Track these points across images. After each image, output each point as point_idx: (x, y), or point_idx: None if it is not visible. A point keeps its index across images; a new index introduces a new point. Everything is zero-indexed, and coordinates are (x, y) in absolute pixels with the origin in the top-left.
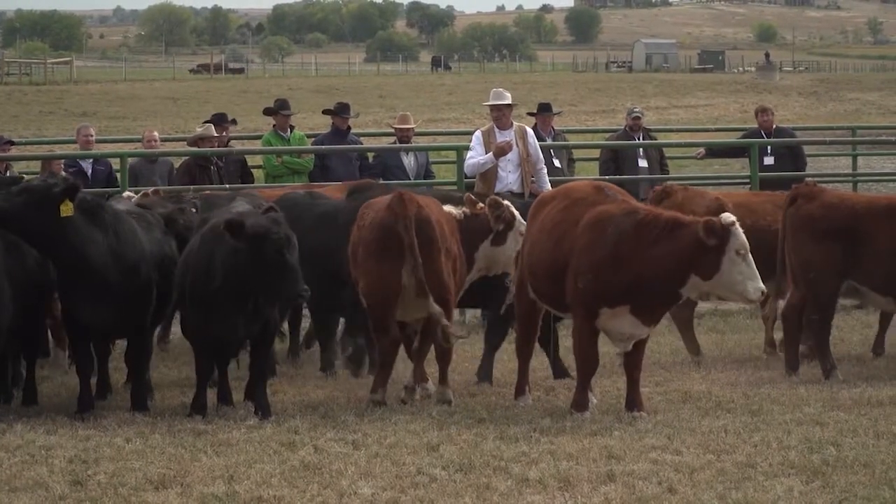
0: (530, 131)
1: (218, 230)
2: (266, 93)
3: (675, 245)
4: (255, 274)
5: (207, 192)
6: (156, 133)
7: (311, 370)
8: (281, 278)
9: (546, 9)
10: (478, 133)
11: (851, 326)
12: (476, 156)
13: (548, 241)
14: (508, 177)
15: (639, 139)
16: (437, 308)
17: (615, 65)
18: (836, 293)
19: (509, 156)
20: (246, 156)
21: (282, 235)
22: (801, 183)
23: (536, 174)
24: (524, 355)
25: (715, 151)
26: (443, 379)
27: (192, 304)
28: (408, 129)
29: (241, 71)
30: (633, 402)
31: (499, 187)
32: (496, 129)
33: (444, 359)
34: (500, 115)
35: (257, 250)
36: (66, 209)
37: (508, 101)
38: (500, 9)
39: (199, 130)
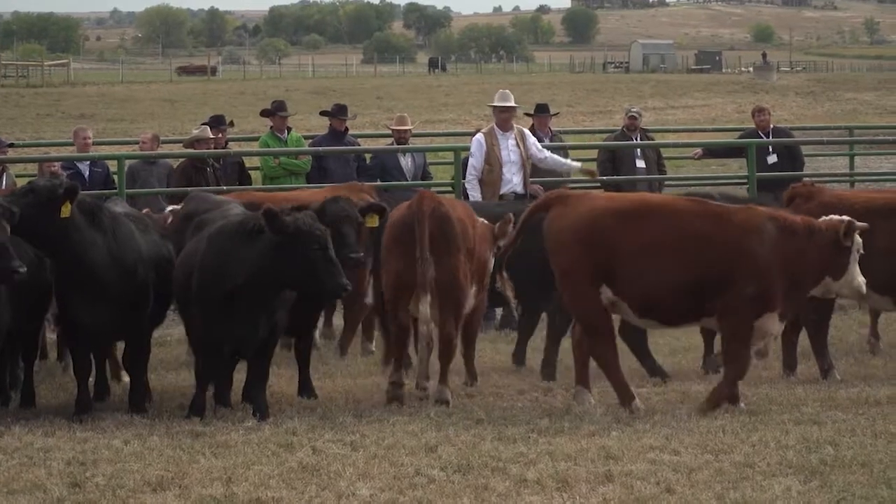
0: (528, 133)
1: (235, 230)
2: (263, 94)
3: (819, 247)
4: (298, 269)
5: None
6: (149, 135)
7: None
8: (326, 273)
9: (543, 10)
10: (479, 137)
11: (849, 326)
12: (475, 163)
13: (667, 257)
14: (513, 179)
15: (636, 139)
16: (426, 311)
17: (612, 65)
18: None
19: (513, 158)
20: (243, 157)
21: (324, 230)
22: (798, 183)
23: (544, 161)
24: (612, 363)
25: (712, 152)
26: (442, 378)
27: (202, 307)
28: (405, 131)
29: (214, 72)
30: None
31: (504, 189)
32: (497, 131)
33: (445, 358)
34: (508, 116)
35: (302, 244)
36: (66, 210)
37: (514, 104)
38: (497, 10)
39: (195, 132)
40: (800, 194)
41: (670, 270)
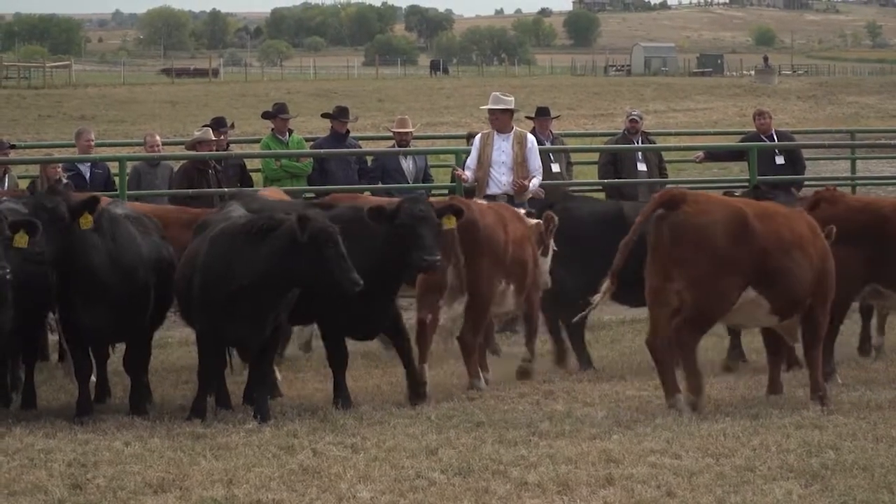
0: (531, 138)
1: (238, 231)
2: (265, 96)
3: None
4: (314, 268)
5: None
6: (158, 137)
7: (309, 374)
8: (340, 270)
9: (545, 12)
10: (477, 136)
11: (851, 330)
12: (469, 162)
13: (798, 256)
14: (502, 179)
15: (638, 142)
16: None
17: (614, 68)
18: (853, 297)
19: (503, 159)
20: (245, 159)
21: (334, 228)
22: (822, 188)
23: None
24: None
25: (714, 155)
26: (470, 371)
27: (206, 308)
28: (406, 133)
29: (216, 73)
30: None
31: (493, 190)
32: (495, 134)
33: (465, 355)
34: (495, 118)
35: (318, 243)
36: (86, 222)
37: (506, 105)
38: (499, 12)
39: (196, 134)
40: (825, 199)
41: (802, 269)
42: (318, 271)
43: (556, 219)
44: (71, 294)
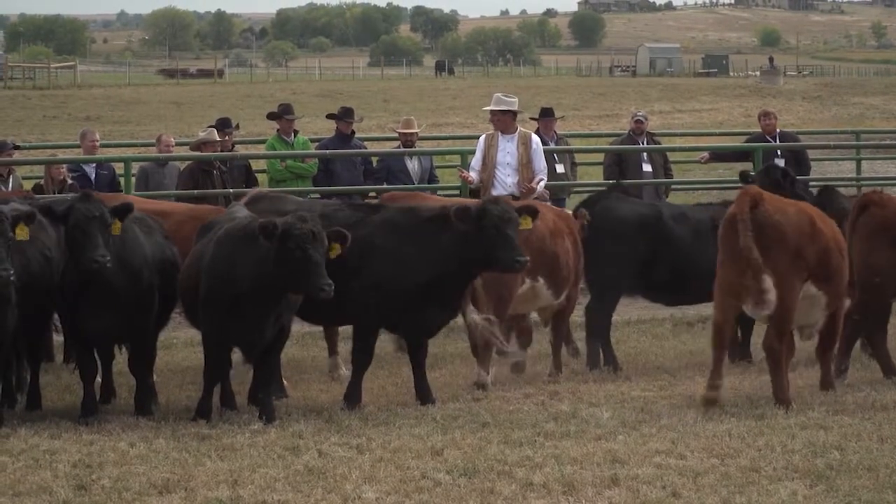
0: (535, 139)
1: (240, 234)
2: (270, 97)
3: None
4: (280, 269)
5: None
6: (171, 138)
7: (314, 375)
8: (305, 272)
9: (550, 13)
10: (481, 138)
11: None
12: (474, 163)
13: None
14: (507, 180)
15: (643, 143)
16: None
17: (619, 69)
18: (892, 297)
19: (507, 160)
20: (250, 160)
21: (305, 231)
22: (869, 190)
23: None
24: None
25: (719, 156)
26: (481, 362)
27: (211, 309)
28: (412, 134)
29: (221, 74)
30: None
31: (498, 191)
32: (499, 135)
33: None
34: (497, 120)
35: (282, 246)
36: (116, 228)
37: (507, 106)
38: (504, 13)
39: (201, 135)
40: (873, 202)
41: (845, 267)
42: (290, 276)
43: (587, 220)
44: (76, 295)
